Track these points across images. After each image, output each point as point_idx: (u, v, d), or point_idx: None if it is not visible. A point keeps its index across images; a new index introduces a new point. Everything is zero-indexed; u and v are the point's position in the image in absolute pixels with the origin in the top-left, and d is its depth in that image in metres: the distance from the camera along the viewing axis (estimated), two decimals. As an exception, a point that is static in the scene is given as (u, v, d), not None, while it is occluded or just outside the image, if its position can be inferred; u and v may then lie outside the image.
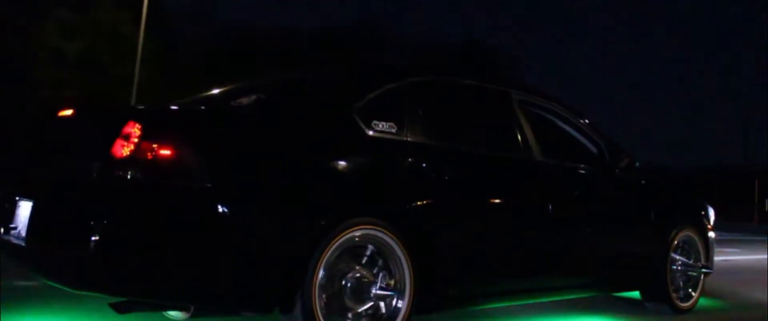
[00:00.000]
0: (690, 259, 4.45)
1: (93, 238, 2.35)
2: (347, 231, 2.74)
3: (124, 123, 2.47)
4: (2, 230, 2.92)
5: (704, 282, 4.56)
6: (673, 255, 4.32)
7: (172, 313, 2.71)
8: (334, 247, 2.71)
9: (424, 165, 3.08)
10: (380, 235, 2.85)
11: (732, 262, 8.86)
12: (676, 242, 4.34)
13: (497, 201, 3.36)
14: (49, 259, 2.58)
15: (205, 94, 3.50)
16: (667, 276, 4.26)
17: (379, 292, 2.81)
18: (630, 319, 4.14)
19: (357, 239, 2.80)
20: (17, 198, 2.87)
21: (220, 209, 2.47)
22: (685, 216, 4.47)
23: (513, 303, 3.70)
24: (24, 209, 2.78)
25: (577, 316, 4.15)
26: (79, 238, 2.39)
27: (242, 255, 2.53)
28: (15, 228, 2.79)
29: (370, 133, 2.94)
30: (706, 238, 4.59)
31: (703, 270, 4.47)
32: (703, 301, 4.66)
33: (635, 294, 4.42)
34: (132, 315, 2.74)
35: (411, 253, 2.91)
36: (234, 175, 2.53)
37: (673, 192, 4.55)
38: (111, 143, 2.46)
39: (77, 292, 2.52)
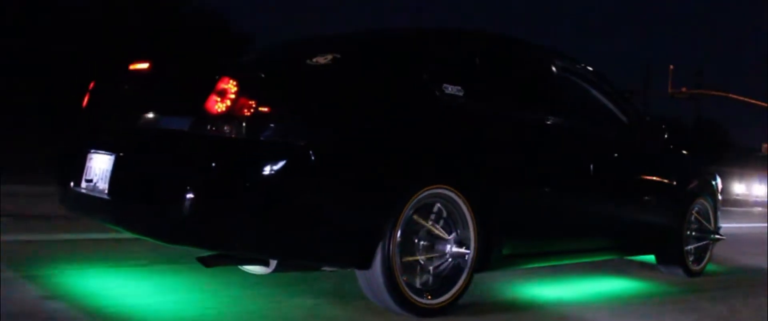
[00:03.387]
0: (704, 226, 4.68)
1: (188, 193, 2.39)
2: (423, 190, 2.83)
3: (218, 78, 2.48)
4: (72, 183, 2.93)
5: (713, 247, 4.81)
6: (689, 221, 4.54)
7: (252, 268, 2.76)
8: (410, 205, 2.79)
9: (486, 129, 3.18)
10: (449, 194, 2.94)
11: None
12: (692, 209, 4.56)
13: (545, 166, 3.48)
14: (136, 212, 2.60)
15: (268, 49, 3.50)
16: (683, 241, 4.49)
17: (454, 249, 2.92)
18: (646, 281, 4.36)
19: (429, 198, 2.89)
20: (90, 150, 2.86)
21: (313, 167, 2.52)
22: (701, 184, 4.68)
23: (549, 264, 3.86)
24: (100, 162, 2.78)
25: (596, 277, 4.34)
26: (173, 193, 2.42)
27: (330, 212, 2.60)
28: (91, 180, 2.79)
29: (442, 96, 3.01)
30: (716, 206, 4.82)
31: (716, 236, 4.71)
32: (708, 266, 4.92)
33: (646, 257, 4.65)
34: (206, 271, 2.81)
35: (475, 213, 3.01)
36: (326, 134, 2.58)
37: (692, 161, 4.75)
38: (204, 98, 2.48)
39: (167, 245, 2.56)
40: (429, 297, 2.88)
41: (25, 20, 15.58)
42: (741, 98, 26.99)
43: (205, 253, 2.63)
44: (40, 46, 15.33)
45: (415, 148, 2.84)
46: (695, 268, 4.61)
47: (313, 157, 2.52)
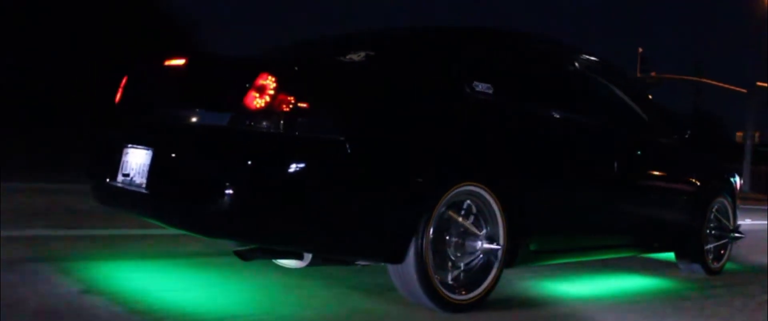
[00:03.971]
0: (723, 224, 4.70)
1: (229, 187, 2.42)
2: (456, 186, 2.86)
3: (256, 74, 2.52)
4: (108, 177, 2.96)
5: (732, 246, 4.83)
6: (709, 219, 4.56)
7: (287, 262, 2.79)
8: (443, 201, 2.82)
9: (515, 126, 3.21)
10: (479, 190, 2.97)
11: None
12: (712, 207, 4.58)
13: (572, 163, 3.51)
14: (176, 206, 2.63)
15: (299, 46, 3.54)
16: (703, 239, 4.51)
17: (485, 245, 2.95)
18: (665, 278, 4.38)
19: (460, 194, 2.92)
20: (127, 145, 2.90)
21: (350, 162, 2.55)
22: (721, 183, 4.70)
23: (572, 260, 3.89)
24: (137, 156, 2.81)
25: (615, 275, 4.36)
26: (213, 187, 2.45)
27: (366, 207, 2.63)
28: (128, 175, 2.83)
29: (472, 93, 3.04)
30: (735, 204, 4.85)
31: (735, 234, 4.73)
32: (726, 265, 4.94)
33: (663, 255, 4.67)
34: (241, 263, 2.84)
35: (504, 209, 3.04)
36: (363, 130, 2.61)
37: (713, 159, 4.77)
38: (243, 94, 2.51)
39: (206, 238, 2.60)
40: (464, 292, 2.92)
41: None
42: (715, 83, 26.39)
43: (243, 247, 2.67)
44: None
45: (448, 144, 2.87)
46: (714, 266, 4.63)
47: (350, 153, 2.55)
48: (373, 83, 2.78)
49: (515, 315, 3.03)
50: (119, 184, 2.87)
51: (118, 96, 3.26)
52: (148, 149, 2.75)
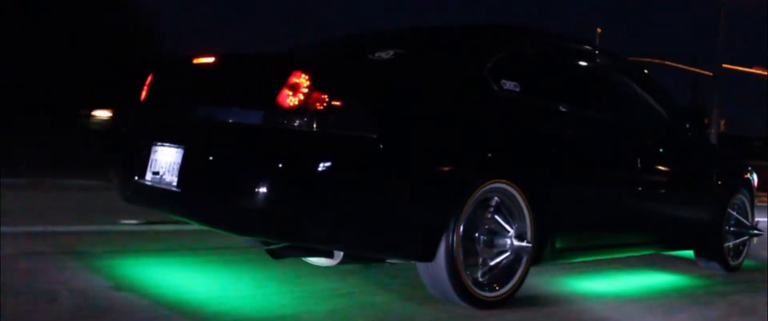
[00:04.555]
0: (742, 221, 4.70)
1: (263, 185, 2.42)
2: (485, 184, 2.86)
3: (290, 72, 2.51)
4: (136, 175, 2.96)
5: (750, 243, 4.83)
6: (728, 216, 4.56)
7: (318, 260, 2.80)
8: (473, 199, 2.82)
9: (542, 124, 3.21)
10: (507, 188, 2.97)
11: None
12: (731, 204, 4.57)
13: (597, 161, 3.51)
14: (209, 204, 2.63)
15: (327, 43, 3.53)
16: (723, 236, 4.51)
17: (514, 243, 2.95)
18: (686, 275, 4.38)
19: (489, 191, 2.92)
20: (155, 143, 2.89)
21: (383, 160, 2.56)
22: (739, 180, 4.70)
23: (595, 257, 3.89)
24: (167, 154, 2.81)
25: (637, 272, 4.36)
26: (247, 185, 2.45)
27: (398, 205, 2.63)
28: (157, 173, 2.82)
29: (500, 91, 3.04)
30: (753, 202, 4.84)
31: (755, 231, 4.73)
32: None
33: (681, 252, 4.67)
34: (270, 261, 2.84)
35: (532, 206, 3.04)
36: (395, 127, 2.61)
37: (731, 156, 4.77)
38: (276, 92, 2.51)
39: (238, 236, 2.60)
40: (497, 287, 2.92)
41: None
42: (675, 64, 25.01)
43: (275, 245, 2.67)
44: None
45: (478, 142, 2.87)
46: (733, 263, 4.63)
47: (383, 151, 2.55)
48: (405, 81, 2.78)
49: (541, 312, 3.03)
50: (148, 182, 2.87)
51: (143, 94, 3.25)
52: (178, 147, 2.75)
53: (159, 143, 2.88)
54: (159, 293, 2.73)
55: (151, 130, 3.03)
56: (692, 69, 24.94)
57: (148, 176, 2.88)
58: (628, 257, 4.49)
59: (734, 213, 4.65)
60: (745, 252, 4.77)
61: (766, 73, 23.45)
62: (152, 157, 2.90)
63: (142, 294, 2.70)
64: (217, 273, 3.20)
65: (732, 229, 4.64)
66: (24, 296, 2.52)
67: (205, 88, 2.88)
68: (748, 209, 4.78)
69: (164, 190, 2.77)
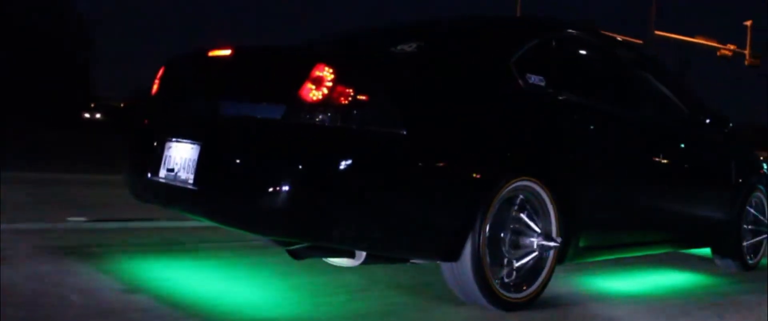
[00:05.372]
0: (760, 219, 4.62)
1: (285, 183, 2.31)
2: (512, 182, 2.76)
3: (312, 66, 2.41)
4: (149, 172, 2.85)
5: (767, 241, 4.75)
6: (746, 213, 4.48)
7: (340, 261, 2.69)
8: (499, 197, 2.73)
9: (568, 119, 3.11)
10: (533, 186, 2.87)
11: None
12: (750, 201, 4.49)
13: (621, 157, 3.42)
14: (228, 203, 2.51)
15: (348, 36, 3.42)
16: (741, 234, 4.43)
17: (541, 242, 2.85)
18: (703, 274, 4.30)
19: (515, 190, 2.83)
20: (169, 138, 2.79)
21: (409, 157, 2.45)
22: (757, 177, 4.61)
23: (616, 256, 3.80)
24: (182, 151, 2.71)
25: (654, 271, 4.28)
26: (269, 183, 2.34)
27: (424, 203, 2.53)
28: (172, 170, 2.72)
29: (526, 86, 2.94)
30: (769, 199, 4.76)
31: (773, 229, 4.65)
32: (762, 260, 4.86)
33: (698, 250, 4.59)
34: (288, 262, 2.74)
35: (557, 204, 2.95)
36: (421, 123, 2.50)
37: (750, 153, 4.68)
38: (298, 86, 2.40)
39: (258, 236, 2.50)
40: (525, 287, 2.83)
41: None
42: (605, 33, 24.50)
43: (296, 245, 2.56)
44: None
45: (504, 139, 2.77)
46: (751, 261, 4.55)
47: (408, 147, 2.44)
48: (430, 75, 2.67)
49: (569, 312, 2.94)
50: (162, 180, 2.76)
51: (155, 88, 3.14)
52: (194, 143, 2.64)
53: (174, 139, 2.77)
54: (175, 296, 2.63)
55: (164, 125, 2.91)
56: (622, 38, 24.33)
57: (162, 173, 2.77)
58: (645, 255, 4.40)
59: (752, 210, 4.57)
60: (762, 250, 4.68)
61: (707, 42, 22.71)
62: (166, 153, 2.79)
63: (156, 296, 2.60)
64: (228, 272, 3.10)
65: (750, 227, 4.56)
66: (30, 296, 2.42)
67: (222, 81, 2.76)
68: (766, 206, 4.70)
69: (180, 187, 2.65)
